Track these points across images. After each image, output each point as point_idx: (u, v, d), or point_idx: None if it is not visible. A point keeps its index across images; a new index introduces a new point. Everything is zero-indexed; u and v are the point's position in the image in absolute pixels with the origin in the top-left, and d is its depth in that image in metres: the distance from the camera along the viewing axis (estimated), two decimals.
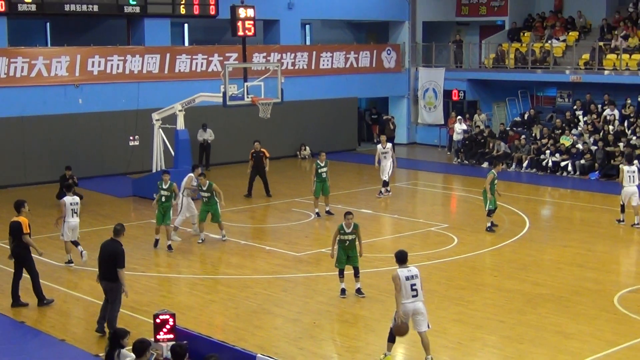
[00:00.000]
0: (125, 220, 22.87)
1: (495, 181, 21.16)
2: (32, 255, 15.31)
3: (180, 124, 25.61)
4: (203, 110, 30.53)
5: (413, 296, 12.02)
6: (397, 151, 36.29)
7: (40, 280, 15.57)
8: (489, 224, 21.15)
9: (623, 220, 21.71)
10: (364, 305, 15.16)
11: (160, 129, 26.21)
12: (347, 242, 15.60)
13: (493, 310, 14.99)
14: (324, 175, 22.58)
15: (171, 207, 19.78)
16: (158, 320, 12.12)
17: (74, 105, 29.43)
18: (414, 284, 12.04)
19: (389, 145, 25.88)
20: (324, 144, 35.84)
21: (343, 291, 15.71)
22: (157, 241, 19.83)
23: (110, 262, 13.44)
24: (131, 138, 30.54)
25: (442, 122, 37.46)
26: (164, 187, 19.67)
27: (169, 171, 20.82)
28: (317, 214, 22.74)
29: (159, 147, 26.23)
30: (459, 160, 33.51)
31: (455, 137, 34.33)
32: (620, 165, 22.30)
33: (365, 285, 16.36)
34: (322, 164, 22.59)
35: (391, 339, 12.37)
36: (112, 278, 13.46)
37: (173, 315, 12.21)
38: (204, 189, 20.22)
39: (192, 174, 20.91)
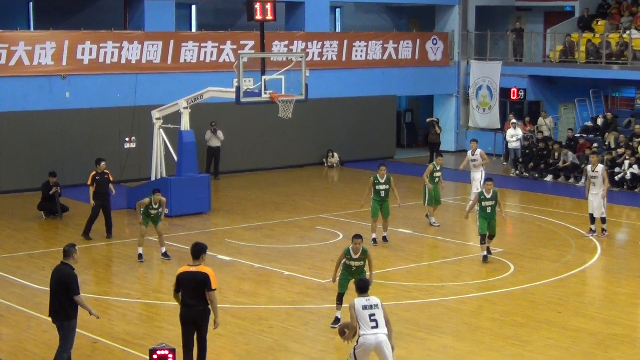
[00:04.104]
0: (118, 237, 23.14)
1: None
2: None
3: (185, 124, 25.74)
4: (212, 108, 30.64)
5: (372, 327, 12.44)
6: (444, 160, 36.29)
7: (19, 307, 15.66)
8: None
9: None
10: (400, 344, 15.14)
11: (161, 129, 26.36)
12: (354, 267, 15.78)
13: (556, 352, 14.92)
14: (382, 193, 22.15)
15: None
16: (155, 356, 12.16)
17: (60, 99, 29.67)
18: (373, 314, 12.54)
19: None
20: (355, 151, 35.94)
21: (337, 320, 15.78)
22: (140, 255, 20.58)
23: (60, 291, 13.01)
24: (127, 139, 30.70)
25: (498, 126, 37.30)
26: (154, 206, 20.46)
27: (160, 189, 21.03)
28: (374, 240, 22.29)
29: (159, 150, 26.37)
30: (517, 172, 33.39)
31: (511, 144, 34.23)
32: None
33: (401, 319, 16.35)
34: (382, 180, 22.13)
35: None
36: (61, 313, 13.06)
37: (173, 351, 12.25)
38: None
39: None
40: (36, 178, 27.46)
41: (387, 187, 22.14)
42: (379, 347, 12.40)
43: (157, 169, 26.36)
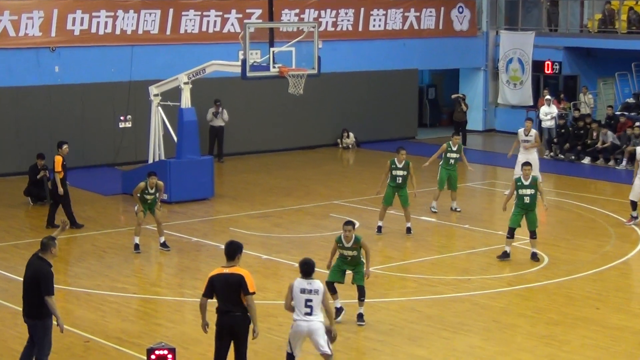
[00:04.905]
0: (112, 226, 23.16)
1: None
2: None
3: (186, 101, 25.71)
4: (216, 84, 30.57)
5: (306, 313, 12.93)
6: (471, 141, 36.29)
7: (3, 302, 15.68)
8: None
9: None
10: (423, 343, 15.13)
11: (160, 107, 26.33)
12: (349, 258, 15.94)
13: (594, 353, 14.88)
14: (399, 180, 21.99)
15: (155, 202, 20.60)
16: (153, 357, 12.16)
17: (48, 74, 29.66)
18: (310, 300, 12.94)
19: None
20: (373, 130, 35.86)
21: (338, 312, 15.97)
22: (137, 245, 20.57)
23: (33, 288, 12.72)
24: (122, 118, 30.68)
25: (531, 103, 37.20)
26: (150, 190, 20.33)
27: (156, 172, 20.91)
28: (379, 228, 22.32)
29: (157, 130, 26.34)
30: (551, 153, 33.29)
31: (544, 123, 34.11)
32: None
33: (424, 316, 16.33)
34: (400, 165, 21.97)
35: None
36: (35, 312, 12.80)
37: (173, 351, 12.24)
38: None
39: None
40: (22, 161, 27.44)
41: (405, 173, 21.93)
42: (311, 334, 12.91)
43: (155, 150, 26.32)
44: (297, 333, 12.97)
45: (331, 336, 13.15)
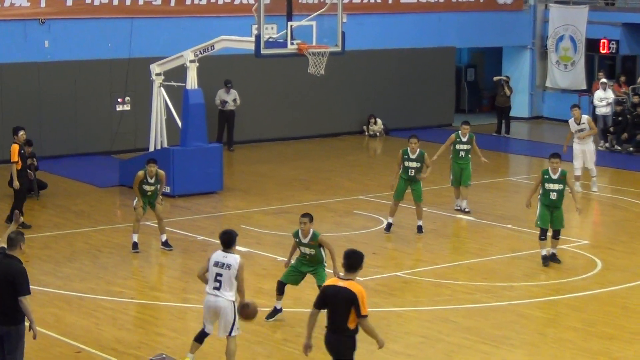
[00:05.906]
0: (108, 221, 23.21)
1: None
2: None
3: (192, 81, 25.73)
4: (226, 62, 30.59)
5: (215, 288, 13.77)
6: (515, 129, 36.20)
7: None
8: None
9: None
10: (458, 358, 15.10)
11: (162, 88, 26.35)
12: (307, 256, 16.14)
13: None
14: (411, 172, 22.06)
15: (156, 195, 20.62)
16: None
17: (37, 50, 29.73)
18: (220, 275, 13.72)
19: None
20: (403, 117, 35.82)
21: (275, 311, 16.51)
22: (135, 244, 20.60)
23: (4, 289, 12.55)
24: (119, 100, 30.72)
25: (584, 87, 37.09)
26: (150, 180, 20.28)
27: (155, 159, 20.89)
28: (389, 225, 22.41)
29: (159, 114, 26.37)
30: (607, 144, 33.18)
31: (599, 110, 33.97)
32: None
33: (460, 328, 16.29)
34: (413, 156, 22.03)
35: (198, 339, 13.89)
36: (9, 317, 12.64)
37: None
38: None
39: None
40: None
41: (418, 165, 21.99)
42: (218, 311, 13.74)
43: (157, 137, 26.33)
44: (206, 306, 13.82)
45: (246, 311, 13.64)
